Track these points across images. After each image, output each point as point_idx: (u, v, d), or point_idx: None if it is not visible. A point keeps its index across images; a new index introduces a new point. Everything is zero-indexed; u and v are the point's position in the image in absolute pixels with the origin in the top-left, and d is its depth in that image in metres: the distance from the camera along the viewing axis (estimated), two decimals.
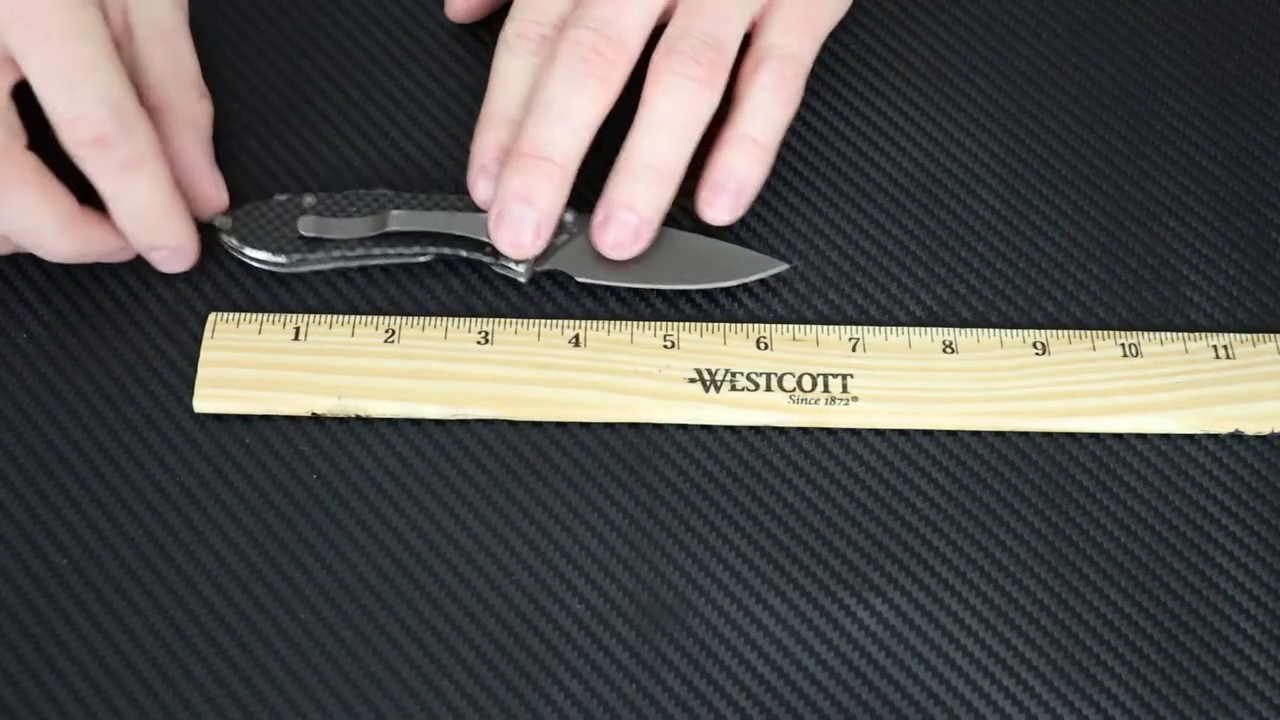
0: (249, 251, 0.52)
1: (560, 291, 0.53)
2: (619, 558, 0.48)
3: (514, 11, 0.53)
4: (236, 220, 0.52)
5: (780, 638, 0.47)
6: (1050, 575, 0.49)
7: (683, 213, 0.53)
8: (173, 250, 0.51)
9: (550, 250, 0.52)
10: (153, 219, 0.50)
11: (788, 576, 0.48)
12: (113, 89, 0.48)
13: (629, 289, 0.53)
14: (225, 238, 0.52)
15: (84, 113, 0.48)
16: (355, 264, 0.53)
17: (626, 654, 0.47)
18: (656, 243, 0.52)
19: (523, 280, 0.53)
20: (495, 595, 0.48)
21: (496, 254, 0.52)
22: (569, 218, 0.53)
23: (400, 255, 0.52)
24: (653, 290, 0.53)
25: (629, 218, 0.51)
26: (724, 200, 0.52)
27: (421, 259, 0.53)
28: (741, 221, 0.55)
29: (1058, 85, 0.59)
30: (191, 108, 0.53)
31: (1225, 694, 0.47)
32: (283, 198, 0.53)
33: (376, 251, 0.52)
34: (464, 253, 0.52)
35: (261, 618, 0.47)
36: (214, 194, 0.53)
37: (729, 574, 0.48)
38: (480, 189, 0.52)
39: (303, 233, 0.52)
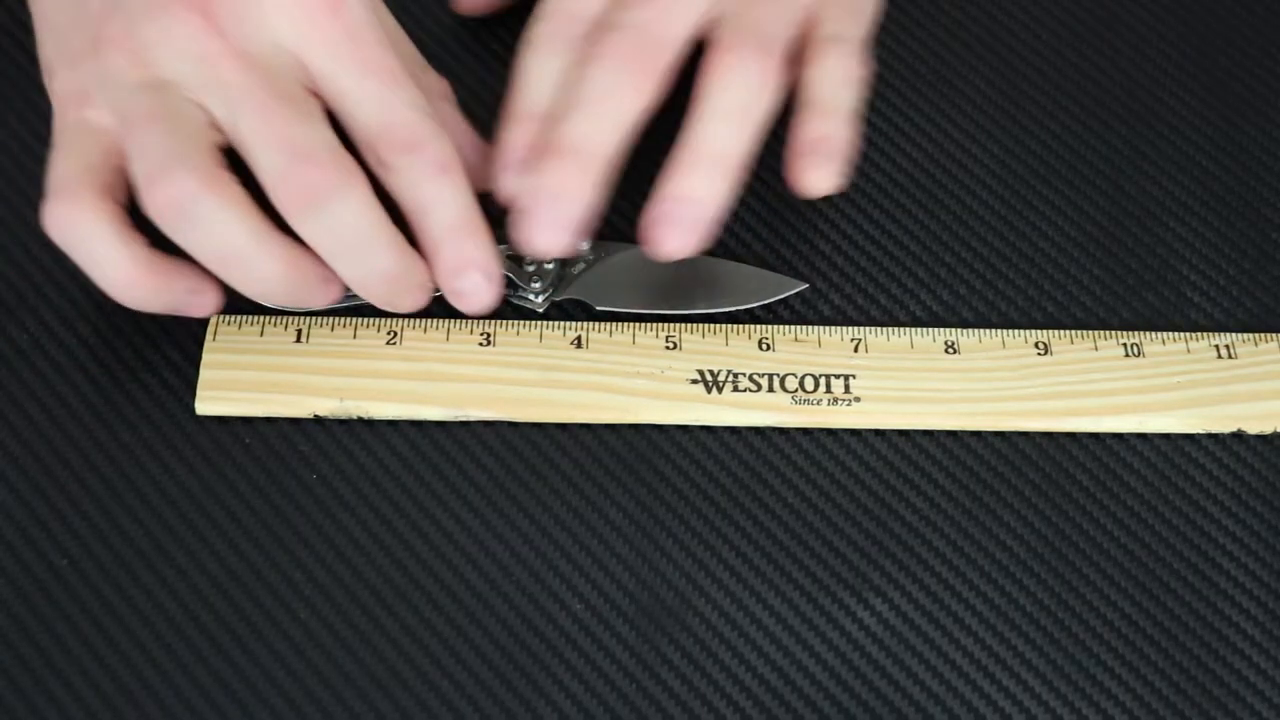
0: None
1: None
2: (619, 558, 0.49)
3: (543, 11, 0.51)
4: None
5: (780, 638, 0.47)
6: (1050, 575, 0.49)
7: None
8: (484, 273, 0.48)
9: (567, 279, 0.52)
10: (469, 230, 0.48)
11: (788, 576, 0.48)
12: (415, 93, 0.48)
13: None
14: None
15: (398, 119, 0.47)
16: (365, 301, 0.52)
17: (626, 654, 0.47)
18: (673, 268, 0.52)
19: (540, 310, 0.52)
20: (495, 595, 0.48)
21: (514, 285, 0.52)
22: (585, 246, 0.52)
23: None
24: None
25: (692, 210, 0.48)
26: (823, 164, 0.50)
27: (436, 294, 0.52)
28: (744, 224, 0.55)
29: (1058, 85, 0.59)
30: (436, 83, 0.52)
31: (1225, 694, 0.47)
32: None
33: None
34: None
35: (261, 618, 0.47)
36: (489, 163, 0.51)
37: (729, 574, 0.48)
38: (508, 184, 0.49)
39: None
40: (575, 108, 0.48)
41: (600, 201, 0.48)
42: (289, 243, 0.47)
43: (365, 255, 0.47)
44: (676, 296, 0.52)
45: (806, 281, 0.54)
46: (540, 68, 0.50)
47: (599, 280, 0.52)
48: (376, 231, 0.47)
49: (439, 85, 0.53)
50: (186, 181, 0.45)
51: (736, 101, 0.49)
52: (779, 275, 0.53)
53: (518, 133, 0.50)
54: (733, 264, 0.54)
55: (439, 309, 0.53)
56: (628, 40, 0.49)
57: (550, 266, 0.52)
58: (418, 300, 0.49)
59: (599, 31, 0.49)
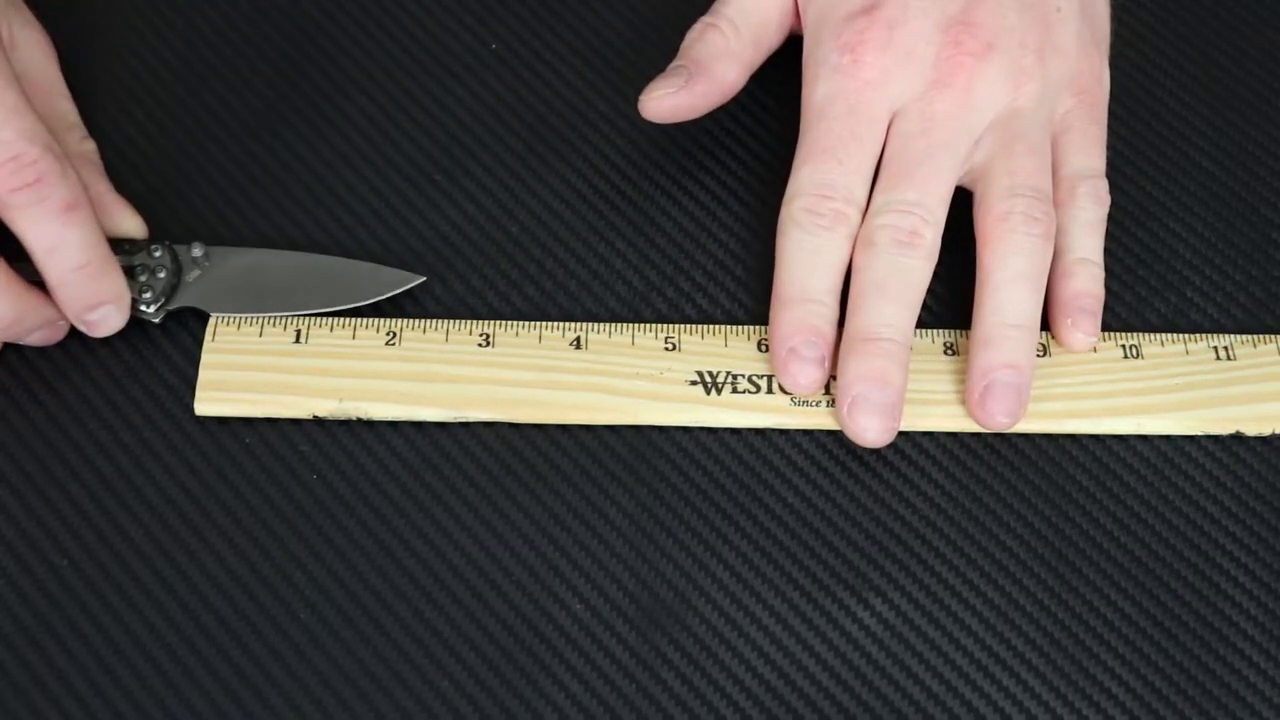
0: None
1: (561, 293, 0.53)
2: (619, 558, 0.48)
3: (797, 186, 0.52)
4: None
5: (780, 638, 0.47)
6: (1050, 575, 0.49)
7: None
8: (115, 304, 0.50)
9: (181, 288, 0.52)
10: (95, 269, 0.48)
11: (788, 576, 0.48)
12: (41, 130, 0.47)
13: (626, 288, 0.53)
14: None
15: (18, 152, 0.46)
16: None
17: (626, 654, 0.47)
18: (291, 269, 0.52)
19: (156, 321, 0.51)
20: (495, 595, 0.48)
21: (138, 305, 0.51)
22: (198, 252, 0.52)
23: None
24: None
25: (1012, 378, 0.49)
26: (1088, 323, 0.52)
27: None
28: (743, 223, 0.55)
29: None
30: (81, 146, 0.53)
31: (1225, 694, 0.47)
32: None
33: None
34: None
35: (261, 618, 0.47)
36: (135, 223, 0.52)
37: (729, 574, 0.48)
38: (793, 373, 0.50)
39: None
40: (870, 296, 0.50)
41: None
42: None
43: None
44: (293, 298, 0.52)
45: (426, 275, 0.53)
46: (801, 245, 0.51)
47: (211, 287, 0.52)
48: None
49: (84, 147, 0.53)
50: None
51: (1024, 268, 0.50)
52: (396, 270, 0.53)
53: (791, 315, 0.50)
54: (349, 261, 0.53)
55: (437, 309, 0.53)
56: (905, 225, 0.50)
57: (162, 276, 0.51)
58: (49, 337, 0.51)
59: (870, 218, 0.51)
